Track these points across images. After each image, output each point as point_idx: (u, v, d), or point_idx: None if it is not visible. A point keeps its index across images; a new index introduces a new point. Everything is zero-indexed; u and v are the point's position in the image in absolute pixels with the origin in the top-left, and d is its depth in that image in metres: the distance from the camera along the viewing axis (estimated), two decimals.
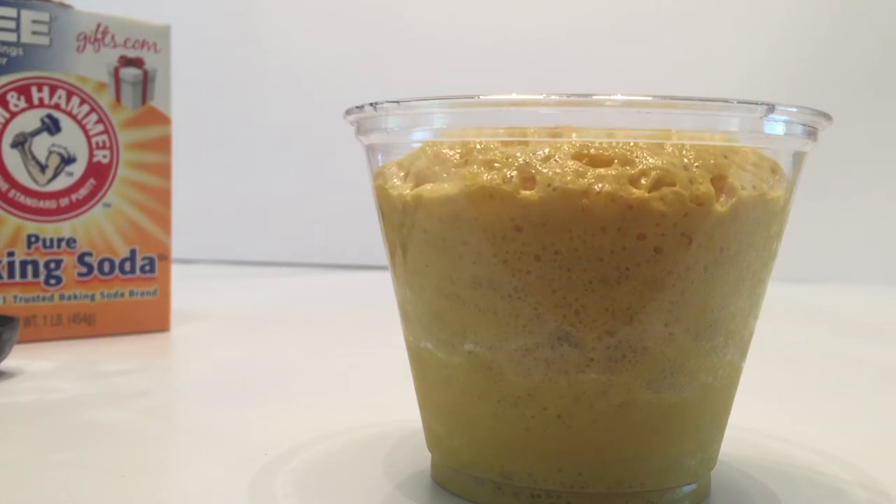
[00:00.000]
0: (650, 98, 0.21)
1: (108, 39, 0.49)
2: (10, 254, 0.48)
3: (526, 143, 0.22)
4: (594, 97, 0.21)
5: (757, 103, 0.21)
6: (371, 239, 0.47)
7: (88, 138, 0.50)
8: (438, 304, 0.23)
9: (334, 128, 0.57)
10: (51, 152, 0.49)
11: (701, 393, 0.23)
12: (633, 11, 0.96)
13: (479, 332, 0.23)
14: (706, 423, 0.24)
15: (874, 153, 0.91)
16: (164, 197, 0.52)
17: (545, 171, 0.21)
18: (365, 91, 0.72)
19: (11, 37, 0.47)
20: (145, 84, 0.51)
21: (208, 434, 0.32)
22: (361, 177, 0.32)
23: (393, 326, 0.31)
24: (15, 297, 0.48)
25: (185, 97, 0.64)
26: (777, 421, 0.35)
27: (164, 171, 0.52)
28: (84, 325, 0.50)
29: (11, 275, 0.48)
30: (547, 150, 0.22)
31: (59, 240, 0.49)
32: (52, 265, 0.49)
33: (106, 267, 0.50)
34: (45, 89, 0.48)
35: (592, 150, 0.22)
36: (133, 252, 0.51)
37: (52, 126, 0.49)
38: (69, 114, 0.49)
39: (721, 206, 0.22)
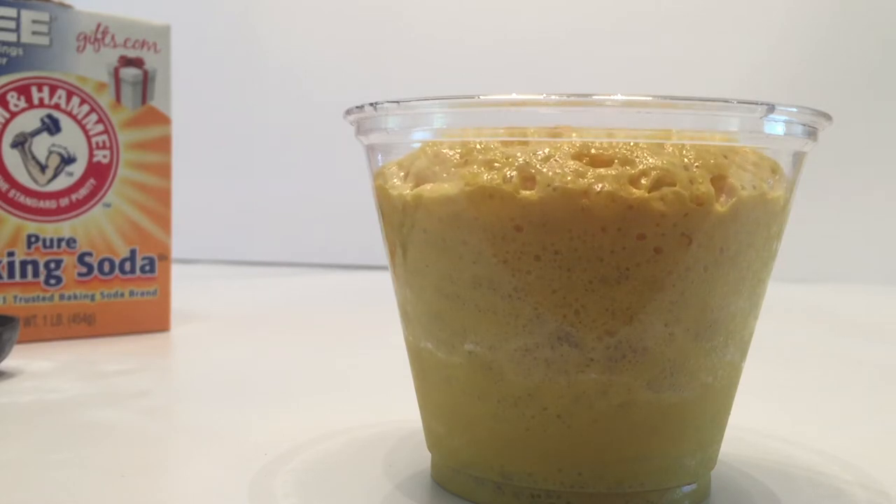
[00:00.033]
0: (650, 98, 0.21)
1: (108, 39, 0.49)
2: (10, 254, 0.48)
3: (526, 143, 0.22)
4: (594, 97, 0.21)
5: (757, 103, 0.21)
6: (371, 239, 0.47)
7: (88, 138, 0.50)
8: (438, 304, 0.23)
9: (334, 128, 0.57)
10: (51, 152, 0.49)
11: (701, 393, 0.23)
12: (633, 11, 0.96)
13: (479, 332, 0.23)
14: (706, 423, 0.24)
15: (874, 153, 0.91)
16: (164, 197, 0.52)
17: (545, 171, 0.21)
18: (365, 91, 0.72)
19: (11, 37, 0.47)
20: (145, 84, 0.51)
21: (208, 434, 0.32)
22: (361, 177, 0.32)
23: (393, 326, 0.31)
24: (15, 297, 0.48)
25: (185, 97, 0.64)
26: (777, 421, 0.35)
27: (164, 171, 0.52)
28: (84, 325, 0.50)
29: (11, 275, 0.48)
30: (547, 150, 0.22)
31: (59, 240, 0.49)
32: (52, 265, 0.49)
33: (106, 267, 0.50)
34: (45, 89, 0.48)
35: (592, 150, 0.22)
36: (133, 252, 0.51)
37: (52, 126, 0.49)
38: (69, 114, 0.49)
39: (721, 206, 0.22)
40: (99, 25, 0.49)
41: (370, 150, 0.26)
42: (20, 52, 0.47)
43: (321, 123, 0.87)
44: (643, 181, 0.21)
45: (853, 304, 0.75)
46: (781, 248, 0.25)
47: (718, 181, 0.22)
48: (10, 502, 0.24)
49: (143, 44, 0.51)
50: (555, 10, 0.98)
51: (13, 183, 0.48)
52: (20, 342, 0.46)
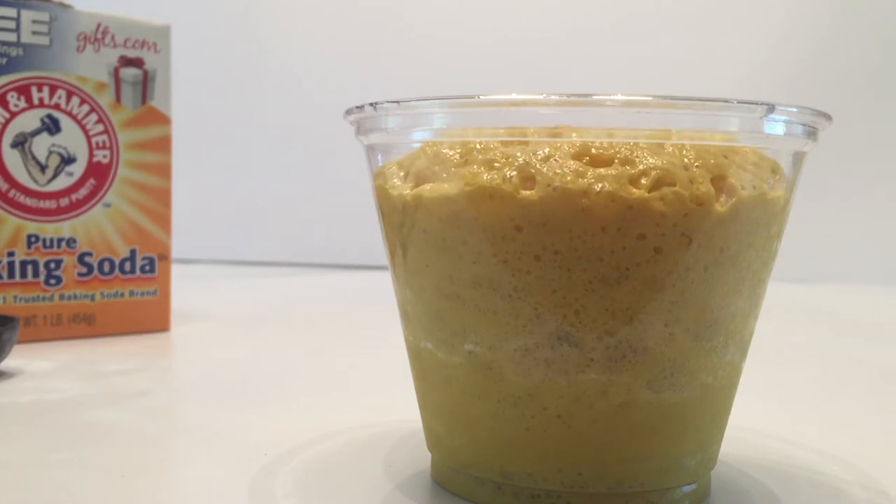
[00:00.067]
0: (650, 98, 0.21)
1: (108, 39, 0.49)
2: (10, 254, 0.48)
3: (526, 143, 0.22)
4: (594, 97, 0.21)
5: (757, 103, 0.21)
6: (371, 239, 0.47)
7: (88, 138, 0.50)
8: (438, 304, 0.23)
9: (334, 128, 0.57)
10: (51, 152, 0.49)
11: (701, 393, 0.23)
12: (633, 11, 0.96)
13: (479, 332, 0.23)
14: (706, 423, 0.24)
15: (874, 153, 0.91)
16: (164, 197, 0.52)
17: (545, 170, 0.21)
18: (365, 91, 0.72)
19: (11, 37, 0.47)
20: (145, 84, 0.51)
21: (208, 434, 0.32)
22: (361, 177, 0.32)
23: (393, 326, 0.31)
24: (15, 297, 0.48)
25: (185, 97, 0.64)
26: (777, 421, 0.35)
27: (164, 171, 0.52)
28: (84, 325, 0.50)
29: (11, 275, 0.48)
30: (547, 150, 0.22)
31: (59, 240, 0.49)
32: (52, 265, 0.49)
33: (106, 267, 0.50)
34: (45, 89, 0.48)
35: (592, 150, 0.22)
36: (133, 252, 0.51)
37: (52, 126, 0.49)
38: (69, 114, 0.49)
39: (721, 206, 0.22)
40: (99, 25, 0.49)
41: (370, 150, 0.26)
42: (20, 52, 0.47)
43: (321, 123, 0.87)
44: (643, 181, 0.21)
45: (853, 304, 0.75)
46: (781, 248, 0.25)
47: (718, 181, 0.22)
48: (10, 502, 0.24)
49: (143, 44, 0.51)
50: (555, 10, 0.98)
51: (13, 183, 0.48)
52: (20, 342, 0.46)
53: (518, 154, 0.22)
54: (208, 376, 0.42)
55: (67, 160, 0.49)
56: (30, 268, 0.48)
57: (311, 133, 1.02)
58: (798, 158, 0.24)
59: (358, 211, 0.73)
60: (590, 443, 0.23)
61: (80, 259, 0.50)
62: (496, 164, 0.22)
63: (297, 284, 0.86)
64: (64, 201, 0.49)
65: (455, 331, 0.23)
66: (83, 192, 0.50)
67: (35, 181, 0.48)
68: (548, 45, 0.97)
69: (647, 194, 0.21)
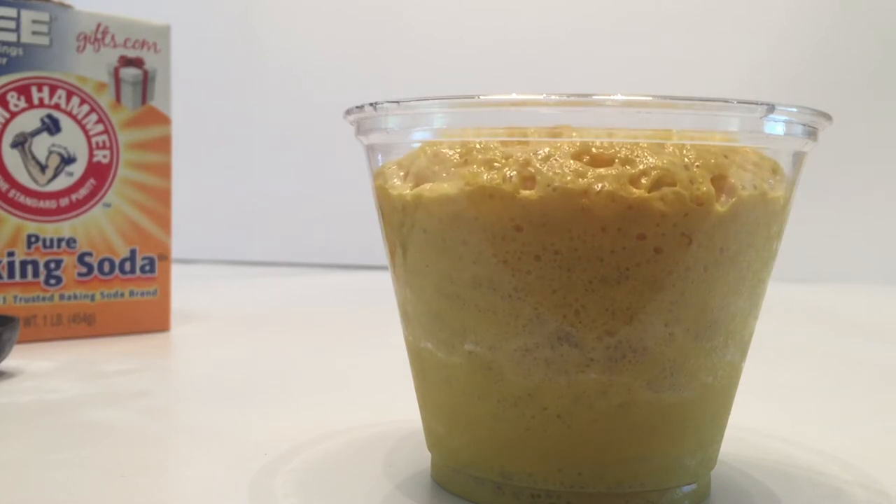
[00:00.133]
0: (650, 98, 0.21)
1: (108, 39, 0.49)
2: (10, 254, 0.48)
3: (526, 143, 0.22)
4: (594, 97, 0.21)
5: (757, 103, 0.21)
6: (371, 239, 0.47)
7: (88, 138, 0.50)
8: (438, 304, 0.23)
9: (334, 128, 0.57)
10: (51, 152, 0.49)
11: (701, 393, 0.23)
12: (633, 11, 0.96)
13: (479, 332, 0.23)
14: (706, 423, 0.24)
15: (874, 153, 0.91)
16: (164, 197, 0.52)
17: (545, 170, 0.21)
18: (365, 91, 0.72)
19: (11, 37, 0.47)
20: (145, 84, 0.51)
21: (208, 434, 0.32)
22: (361, 177, 0.32)
23: (393, 326, 0.31)
24: (15, 297, 0.48)
25: (185, 97, 0.64)
26: (777, 421, 0.35)
27: (164, 171, 0.52)
28: (84, 325, 0.50)
29: (11, 275, 0.48)
30: (547, 150, 0.22)
31: (59, 240, 0.49)
32: (52, 265, 0.49)
33: (106, 267, 0.50)
34: (45, 89, 0.48)
35: (593, 150, 0.22)
36: (133, 252, 0.51)
37: (52, 126, 0.49)
38: (69, 114, 0.49)
39: (721, 205, 0.22)
40: (99, 25, 0.49)
41: (370, 150, 0.26)
42: (20, 52, 0.47)
43: (321, 123, 0.87)
44: (643, 181, 0.21)
45: (853, 304, 0.75)
46: (781, 248, 0.25)
47: (719, 181, 0.22)
48: (10, 502, 0.24)
49: (143, 44, 0.51)
50: (555, 10, 0.98)
51: (13, 183, 0.48)
52: (20, 342, 0.46)
53: (518, 154, 0.22)
54: (208, 376, 0.42)
55: (67, 160, 0.49)
56: (30, 268, 0.48)
57: (311, 133, 1.02)
58: (798, 158, 0.24)
59: (358, 211, 0.73)
60: (590, 443, 0.23)
61: (80, 259, 0.50)
62: (496, 164, 0.22)
63: (297, 284, 0.86)
64: (64, 201, 0.49)
65: (455, 331, 0.23)
66: (83, 192, 0.50)
67: (35, 181, 0.48)
68: (548, 45, 0.97)
69: (647, 194, 0.21)
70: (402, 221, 0.24)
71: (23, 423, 0.32)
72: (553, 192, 0.21)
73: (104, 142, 0.50)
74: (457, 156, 0.23)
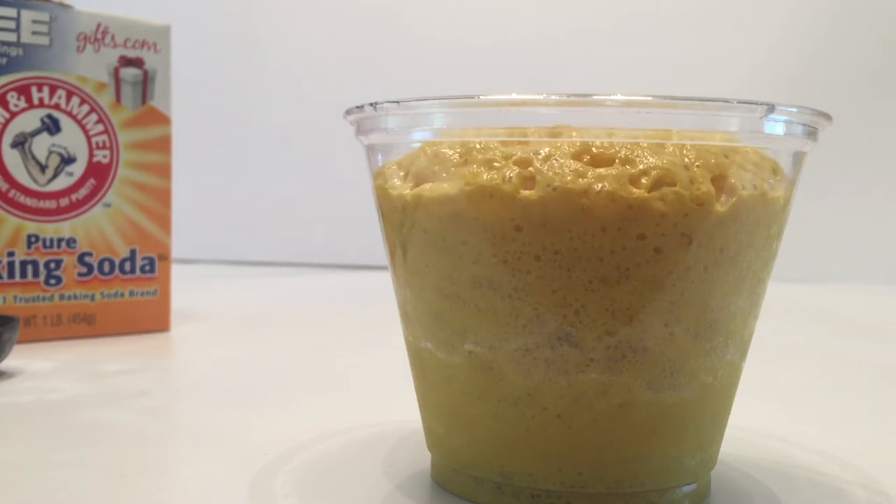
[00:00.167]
0: (650, 98, 0.21)
1: (108, 39, 0.49)
2: (10, 254, 0.48)
3: (526, 143, 0.22)
4: (594, 97, 0.21)
5: (757, 103, 0.21)
6: (371, 239, 0.47)
7: (88, 138, 0.50)
8: (438, 304, 0.23)
9: (334, 128, 0.57)
10: (51, 152, 0.49)
11: (701, 393, 0.23)
12: (633, 11, 0.96)
13: (479, 332, 0.23)
14: (706, 423, 0.24)
15: (874, 153, 0.91)
16: (164, 197, 0.52)
17: (545, 170, 0.21)
18: (365, 91, 0.72)
19: (11, 37, 0.47)
20: (145, 84, 0.51)
21: (208, 434, 0.32)
22: (361, 177, 0.32)
23: (393, 326, 0.31)
24: (15, 297, 0.48)
25: (185, 97, 0.64)
26: (777, 421, 0.35)
27: (164, 171, 0.52)
28: (84, 325, 0.50)
29: (11, 275, 0.48)
30: (547, 150, 0.22)
31: (59, 240, 0.49)
32: (52, 265, 0.49)
33: (106, 267, 0.50)
34: (45, 89, 0.48)
35: (593, 150, 0.22)
36: (133, 252, 0.51)
37: (52, 126, 0.49)
38: (69, 114, 0.49)
39: (721, 205, 0.22)
40: (99, 25, 0.49)
41: (370, 150, 0.26)
42: (20, 52, 0.47)
43: (321, 123, 0.87)
44: (643, 181, 0.21)
45: (853, 304, 0.75)
46: (781, 248, 0.25)
47: (719, 181, 0.22)
48: (10, 502, 0.24)
49: (143, 44, 0.51)
50: (555, 10, 0.98)
51: (13, 183, 0.48)
52: (20, 342, 0.46)
53: (518, 154, 0.22)
54: (208, 376, 0.42)
55: (67, 160, 0.49)
56: (30, 268, 0.48)
57: (311, 133, 1.02)
58: (798, 158, 0.24)
59: (358, 211, 0.73)
60: (590, 443, 0.23)
61: (80, 259, 0.50)
62: (496, 164, 0.22)
63: (297, 284, 0.86)
64: (64, 201, 0.49)
65: (455, 331, 0.23)
66: (83, 192, 0.50)
67: (35, 181, 0.48)
68: (548, 45, 0.97)
69: (647, 194, 0.21)
70: (402, 221, 0.24)
71: (23, 423, 0.32)
72: (553, 192, 0.21)
73: (104, 142, 0.50)
74: (457, 156, 0.23)
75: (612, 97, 0.21)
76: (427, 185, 0.23)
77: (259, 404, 0.36)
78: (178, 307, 0.56)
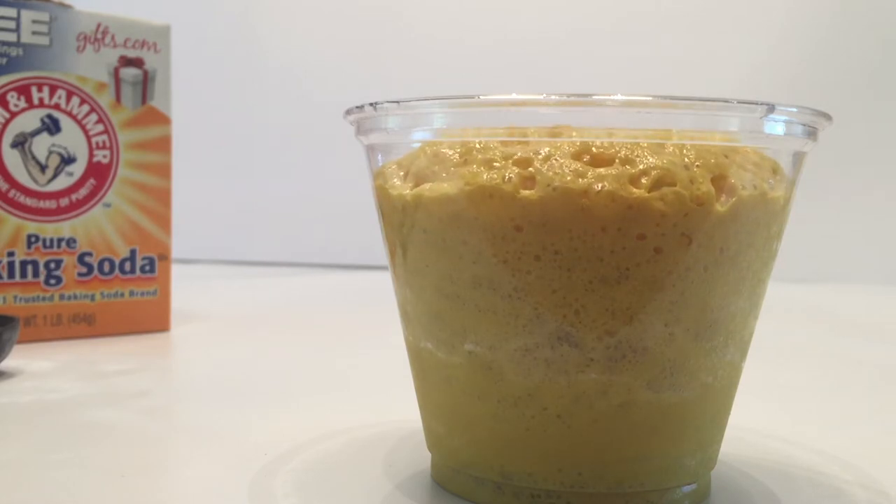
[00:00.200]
0: (650, 98, 0.21)
1: (108, 39, 0.49)
2: (10, 254, 0.48)
3: (526, 143, 0.22)
4: (594, 97, 0.21)
5: (757, 103, 0.21)
6: (371, 239, 0.47)
7: (88, 138, 0.50)
8: (438, 304, 0.23)
9: (334, 128, 0.57)
10: (51, 152, 0.49)
11: (701, 393, 0.23)
12: (633, 11, 0.96)
13: (479, 332, 0.23)
14: (706, 423, 0.24)
15: (874, 153, 0.91)
16: (164, 197, 0.52)
17: (545, 170, 0.21)
18: (365, 91, 0.72)
19: (11, 37, 0.47)
20: (145, 84, 0.51)
21: (208, 434, 0.32)
22: (361, 177, 0.32)
23: (393, 326, 0.31)
24: (15, 297, 0.48)
25: (185, 97, 0.64)
26: (777, 421, 0.35)
27: (164, 171, 0.52)
28: (84, 325, 0.50)
29: (11, 275, 0.48)
30: (547, 150, 0.22)
31: (59, 240, 0.49)
32: (52, 265, 0.49)
33: (106, 267, 0.50)
34: (45, 89, 0.48)
35: (593, 150, 0.22)
36: (133, 252, 0.51)
37: (52, 126, 0.49)
38: (69, 114, 0.49)
39: (721, 205, 0.22)
40: (99, 25, 0.49)
41: (370, 150, 0.26)
42: (20, 52, 0.47)
43: (321, 123, 0.87)
44: (643, 181, 0.21)
45: (853, 304, 0.75)
46: (781, 248, 0.25)
47: (719, 181, 0.22)
48: (10, 502, 0.24)
49: (143, 44, 0.51)
50: (555, 10, 0.98)
51: (13, 183, 0.48)
52: (20, 342, 0.46)
53: (518, 153, 0.22)
54: (208, 376, 0.42)
55: (67, 160, 0.49)
56: (30, 268, 0.48)
57: (311, 133, 1.02)
58: (798, 158, 0.24)
59: (358, 211, 0.73)
60: (590, 443, 0.23)
61: (80, 259, 0.50)
62: (496, 164, 0.22)
63: (297, 284, 0.86)
64: (64, 201, 0.49)
65: (455, 331, 0.23)
66: (83, 192, 0.50)
67: (35, 181, 0.48)
68: (548, 45, 0.97)
69: (647, 194, 0.21)
70: (402, 221, 0.24)
71: (23, 423, 0.32)
72: (553, 191, 0.21)
73: (104, 142, 0.50)
74: (457, 156, 0.23)
75: (612, 97, 0.21)
76: (427, 185, 0.23)
77: (259, 404, 0.36)
78: (178, 307, 0.56)
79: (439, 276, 0.23)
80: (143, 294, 0.52)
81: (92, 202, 0.50)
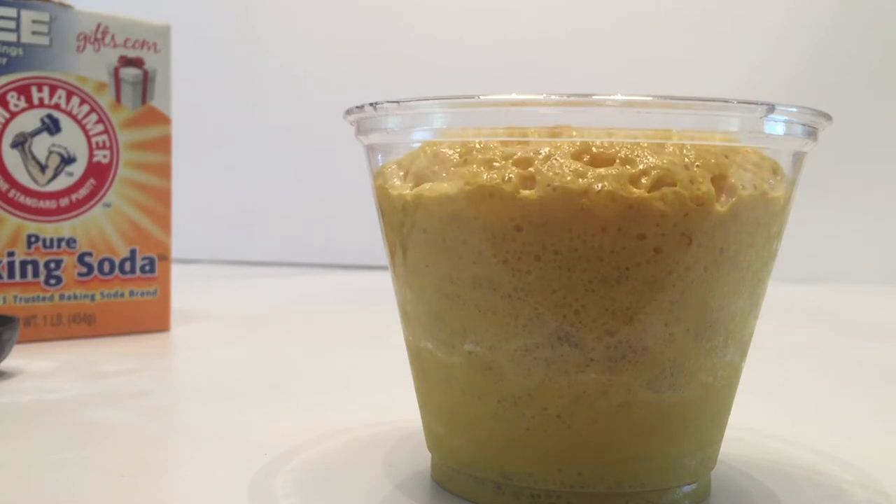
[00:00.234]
0: (650, 98, 0.21)
1: (108, 39, 0.49)
2: (10, 254, 0.48)
3: (526, 143, 0.22)
4: (594, 97, 0.21)
5: (757, 103, 0.21)
6: (371, 239, 0.47)
7: (88, 138, 0.50)
8: (438, 304, 0.23)
9: (334, 128, 0.57)
10: (51, 152, 0.49)
11: (701, 393, 0.23)
12: (633, 11, 0.96)
13: (479, 332, 0.23)
14: (706, 423, 0.24)
15: (874, 153, 0.91)
16: (164, 197, 0.52)
17: (545, 170, 0.21)
18: (365, 91, 0.72)
19: (11, 37, 0.47)
20: (145, 84, 0.51)
21: (208, 434, 0.32)
22: (361, 177, 0.32)
23: (393, 326, 0.31)
24: (15, 297, 0.48)
25: (185, 97, 0.64)
26: (777, 421, 0.35)
27: (164, 171, 0.52)
28: (84, 325, 0.50)
29: (11, 275, 0.48)
30: (547, 150, 0.22)
31: (59, 240, 0.49)
32: (52, 265, 0.49)
33: (106, 267, 0.50)
34: (45, 89, 0.48)
35: (593, 150, 0.22)
36: (133, 252, 0.51)
37: (52, 126, 0.49)
38: (69, 114, 0.49)
39: (721, 205, 0.22)
40: (99, 25, 0.49)
41: (370, 150, 0.26)
42: (20, 52, 0.47)
43: (321, 123, 0.87)
44: (643, 181, 0.21)
45: (853, 304, 0.75)
46: (781, 248, 0.25)
47: (719, 181, 0.22)
48: (10, 502, 0.24)
49: (143, 44, 0.51)
50: (555, 10, 0.98)
51: (13, 183, 0.48)
52: (20, 342, 0.46)
53: (518, 153, 0.22)
54: (208, 376, 0.42)
55: (67, 160, 0.49)
56: (30, 268, 0.48)
57: (311, 133, 1.02)
58: (798, 158, 0.24)
59: (358, 211, 0.73)
60: (590, 443, 0.23)
61: (80, 259, 0.50)
62: (496, 164, 0.22)
63: (297, 284, 0.86)
64: (64, 201, 0.49)
65: (455, 331, 0.23)
66: (83, 192, 0.50)
67: (35, 181, 0.48)
68: (548, 45, 0.97)
69: (647, 194, 0.21)
70: (402, 221, 0.24)
71: (23, 423, 0.32)
72: (553, 191, 0.21)
73: (104, 142, 0.50)
74: (457, 156, 0.23)
75: (612, 97, 0.21)
76: (427, 185, 0.23)
77: (259, 404, 0.36)
78: (178, 307, 0.56)
79: (439, 276, 0.23)
80: (143, 294, 0.52)
81: (92, 202, 0.50)
